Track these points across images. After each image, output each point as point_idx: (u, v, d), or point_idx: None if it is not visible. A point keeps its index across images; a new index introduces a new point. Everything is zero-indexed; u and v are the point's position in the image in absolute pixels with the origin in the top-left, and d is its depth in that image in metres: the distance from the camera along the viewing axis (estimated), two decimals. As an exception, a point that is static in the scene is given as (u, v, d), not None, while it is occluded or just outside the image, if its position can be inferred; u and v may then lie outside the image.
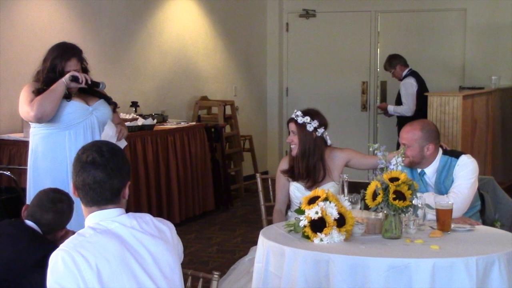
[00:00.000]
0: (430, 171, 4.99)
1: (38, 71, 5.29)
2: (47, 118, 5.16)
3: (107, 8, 9.17)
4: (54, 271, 2.77)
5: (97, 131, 5.29)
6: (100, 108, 5.38)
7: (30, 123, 5.35)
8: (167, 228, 3.06)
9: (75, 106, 5.24)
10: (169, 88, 10.27)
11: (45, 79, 5.20)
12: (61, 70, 5.19)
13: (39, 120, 5.16)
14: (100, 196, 2.92)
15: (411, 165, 4.95)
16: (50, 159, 5.24)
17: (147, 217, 3.03)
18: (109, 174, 2.92)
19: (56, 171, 5.20)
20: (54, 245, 3.86)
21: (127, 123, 8.32)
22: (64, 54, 5.25)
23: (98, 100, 5.40)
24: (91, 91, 5.39)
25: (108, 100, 5.49)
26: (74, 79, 5.18)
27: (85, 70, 5.38)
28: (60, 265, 2.75)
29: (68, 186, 4.81)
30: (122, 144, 5.40)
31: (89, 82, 5.26)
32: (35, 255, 3.67)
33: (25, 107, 5.16)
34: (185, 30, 10.61)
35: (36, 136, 5.31)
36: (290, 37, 12.57)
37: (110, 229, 2.89)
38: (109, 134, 5.36)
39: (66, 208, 4.06)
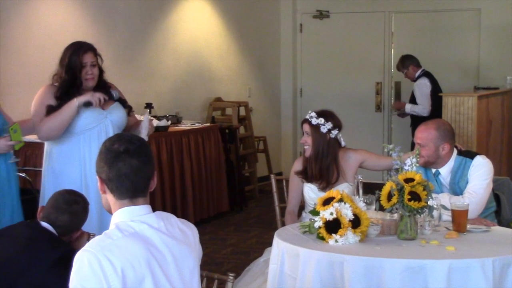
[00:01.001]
0: (445, 172, 4.97)
1: (56, 74, 5.28)
2: (53, 139, 5.24)
3: (121, 10, 9.19)
4: (79, 272, 2.74)
5: (111, 135, 5.25)
6: (115, 112, 5.36)
7: None
8: (190, 231, 3.05)
9: (89, 111, 5.22)
10: (183, 90, 10.28)
11: (62, 84, 5.21)
12: (80, 64, 5.17)
13: (45, 140, 5.25)
14: (134, 185, 2.90)
15: (426, 165, 4.93)
16: (64, 163, 5.24)
17: (172, 218, 3.02)
18: (144, 161, 2.92)
19: (70, 175, 5.19)
20: (69, 247, 3.88)
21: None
22: (79, 48, 5.24)
23: (113, 104, 5.39)
24: (107, 94, 5.37)
25: (124, 103, 5.48)
26: (88, 104, 5.17)
27: (101, 71, 5.37)
28: (86, 267, 2.73)
29: (82, 189, 4.84)
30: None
31: (104, 101, 5.24)
32: (50, 256, 3.67)
33: (35, 123, 5.19)
34: (199, 32, 10.62)
35: (51, 142, 5.31)
36: (304, 38, 12.56)
37: (138, 232, 2.86)
38: (146, 124, 5.39)
39: (81, 210, 4.07)
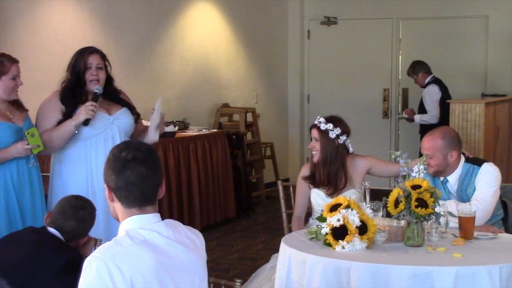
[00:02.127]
0: (453, 179, 4.96)
1: (63, 80, 5.27)
2: (51, 153, 5.26)
3: (129, 16, 9.21)
4: (88, 278, 2.74)
5: (118, 141, 5.16)
6: (122, 118, 5.31)
7: None
8: (197, 238, 3.04)
9: (96, 117, 5.16)
10: (190, 95, 10.29)
11: (66, 85, 5.20)
12: (84, 65, 5.15)
13: (44, 152, 5.18)
14: (143, 193, 2.89)
15: (436, 174, 4.92)
16: (71, 169, 5.21)
17: (180, 226, 3.01)
18: (152, 169, 2.90)
19: (77, 181, 5.16)
20: (76, 252, 3.89)
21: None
22: (84, 51, 5.23)
23: (121, 109, 5.34)
24: (115, 99, 5.36)
25: (132, 109, 5.44)
26: (87, 122, 5.12)
27: (109, 78, 5.34)
28: (94, 273, 2.72)
29: (89, 195, 4.83)
30: (152, 139, 5.35)
31: (94, 108, 5.12)
32: (57, 262, 3.68)
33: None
34: (206, 37, 10.64)
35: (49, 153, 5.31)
36: (312, 44, 12.57)
37: (148, 240, 2.85)
38: (156, 121, 5.36)
39: (88, 215, 4.08)
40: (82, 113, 5.08)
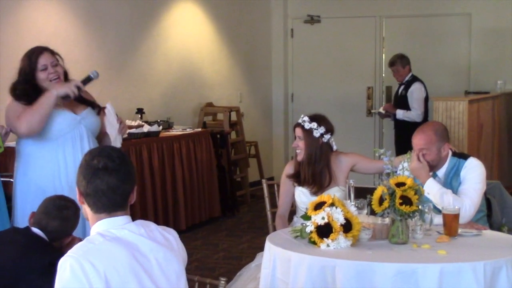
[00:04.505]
0: (442, 174, 4.97)
1: (13, 83, 5.10)
2: (34, 134, 5.00)
3: (112, 16, 9.19)
4: (62, 277, 2.75)
5: (86, 141, 5.13)
6: (89, 117, 5.20)
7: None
8: (171, 236, 3.05)
9: (63, 117, 5.07)
10: (174, 95, 10.28)
11: (15, 84, 5.04)
12: (34, 67, 5.00)
13: (27, 135, 5.00)
14: (111, 201, 2.91)
15: (430, 169, 4.92)
16: (37, 170, 5.07)
17: (152, 225, 3.03)
18: (122, 179, 2.92)
19: (45, 182, 5.03)
20: (60, 252, 3.86)
21: (133, 130, 8.34)
22: (33, 52, 5.06)
23: (86, 109, 5.22)
24: (77, 99, 5.17)
25: (93, 106, 5.30)
26: (66, 98, 4.99)
27: (66, 73, 5.19)
28: (68, 272, 2.74)
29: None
30: (118, 143, 5.27)
31: (82, 87, 5.05)
32: (41, 262, 3.67)
33: (12, 123, 5.00)
34: (190, 37, 10.63)
35: (23, 147, 5.13)
36: (295, 43, 12.57)
37: (120, 237, 2.88)
38: (115, 127, 5.22)
39: (72, 215, 4.06)
40: (64, 87, 4.97)
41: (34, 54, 5.06)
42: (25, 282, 3.63)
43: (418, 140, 4.92)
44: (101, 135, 5.35)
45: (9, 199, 5.35)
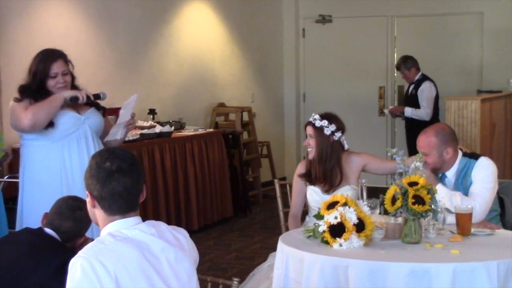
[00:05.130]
0: (451, 174, 4.96)
1: (22, 85, 5.10)
2: (39, 128, 4.98)
3: (124, 16, 9.21)
4: (73, 277, 2.77)
5: (91, 140, 5.13)
6: (92, 117, 5.21)
7: (21, 133, 5.14)
8: (182, 236, 3.06)
9: (67, 116, 5.08)
10: (186, 95, 10.29)
11: (24, 86, 5.05)
12: (47, 74, 5.01)
13: (31, 128, 4.96)
14: (128, 203, 2.93)
15: (435, 172, 4.91)
16: (43, 171, 5.07)
17: (163, 225, 3.04)
18: (136, 179, 2.94)
19: (49, 183, 5.04)
20: (73, 253, 3.87)
21: (145, 131, 8.36)
22: (48, 57, 5.07)
23: (89, 109, 5.23)
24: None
25: (97, 106, 5.32)
26: (74, 99, 5.03)
27: (73, 78, 5.21)
28: (79, 272, 2.75)
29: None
30: (117, 134, 5.27)
31: (91, 98, 5.12)
32: (54, 262, 3.67)
33: (18, 114, 4.99)
34: (201, 37, 10.64)
35: (28, 148, 5.13)
36: (307, 43, 12.57)
37: (130, 237, 2.89)
38: (126, 119, 5.24)
39: (85, 216, 4.05)
40: (75, 91, 5.02)
41: (48, 60, 5.06)
42: (37, 282, 3.64)
43: (419, 142, 4.96)
44: (104, 135, 5.35)
45: (14, 199, 5.36)
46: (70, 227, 3.98)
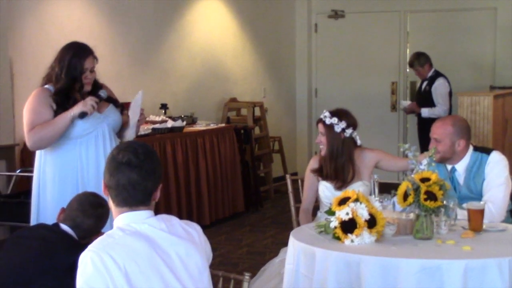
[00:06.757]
0: (461, 168, 4.95)
1: (50, 73, 5.06)
2: (42, 149, 5.02)
3: (136, 11, 9.21)
4: (84, 272, 2.79)
5: (108, 139, 5.10)
6: (111, 115, 5.18)
7: None
8: (194, 230, 3.06)
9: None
10: (198, 90, 10.30)
11: (60, 87, 4.99)
12: (81, 69, 4.97)
13: (34, 149, 5.02)
14: (132, 197, 2.94)
15: (442, 161, 4.91)
16: (60, 167, 5.04)
17: (174, 220, 3.04)
18: (144, 176, 2.94)
19: (65, 179, 5.02)
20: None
21: (157, 125, 8.36)
22: (81, 52, 5.03)
23: (108, 106, 5.20)
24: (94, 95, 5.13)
25: (115, 103, 5.29)
26: (83, 115, 4.95)
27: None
28: (90, 266, 2.77)
29: None
30: (131, 135, 5.26)
31: (95, 106, 5.00)
32: (69, 259, 3.67)
33: (25, 127, 4.95)
34: (213, 32, 10.64)
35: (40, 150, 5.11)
36: (319, 38, 12.55)
37: (139, 231, 2.90)
38: (135, 119, 5.21)
39: (106, 213, 4.06)
40: (80, 106, 4.93)
41: (82, 56, 5.02)
42: (51, 278, 3.65)
43: (435, 128, 4.96)
44: (121, 129, 5.32)
45: (26, 194, 5.35)
46: (92, 224, 3.98)
